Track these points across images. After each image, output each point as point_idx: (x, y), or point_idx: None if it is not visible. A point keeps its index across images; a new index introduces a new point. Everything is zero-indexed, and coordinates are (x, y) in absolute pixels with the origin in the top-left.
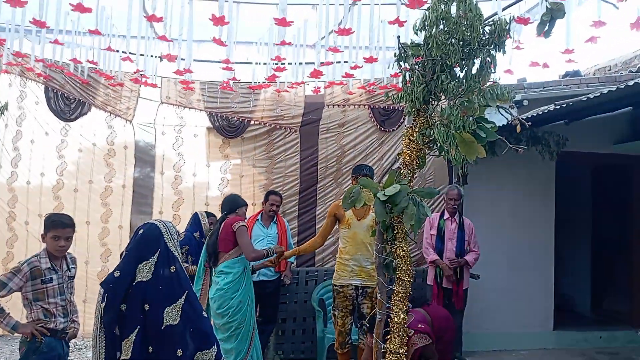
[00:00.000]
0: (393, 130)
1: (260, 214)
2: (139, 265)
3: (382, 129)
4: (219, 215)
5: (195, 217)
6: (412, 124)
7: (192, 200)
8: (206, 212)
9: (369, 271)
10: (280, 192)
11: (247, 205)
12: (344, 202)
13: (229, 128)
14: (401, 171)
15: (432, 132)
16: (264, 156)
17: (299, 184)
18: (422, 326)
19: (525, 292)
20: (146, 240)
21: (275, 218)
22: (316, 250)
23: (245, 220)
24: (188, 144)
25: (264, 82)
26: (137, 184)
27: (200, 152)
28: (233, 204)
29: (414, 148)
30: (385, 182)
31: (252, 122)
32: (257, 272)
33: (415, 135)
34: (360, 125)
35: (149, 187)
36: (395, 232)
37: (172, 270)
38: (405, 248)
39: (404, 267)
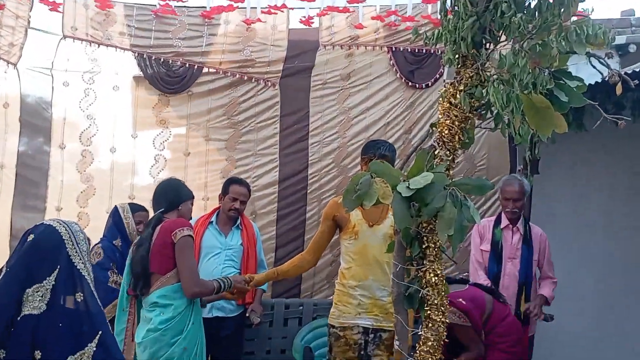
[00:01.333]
0: (426, 86)
1: (215, 214)
2: (27, 290)
3: (410, 83)
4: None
5: (115, 215)
6: (455, 78)
7: (109, 190)
8: (131, 205)
9: (384, 305)
10: (248, 182)
11: (193, 198)
12: (345, 199)
13: (168, 78)
14: (436, 152)
15: (485, 92)
16: (223, 123)
17: (279, 169)
18: (464, 302)
19: (625, 342)
20: (38, 251)
21: (239, 221)
22: (304, 274)
23: (193, 225)
24: (104, 101)
25: (226, 5)
26: (23, 163)
27: (123, 114)
28: (173, 196)
29: (456, 116)
30: (411, 168)
31: (205, 70)
32: (210, 305)
33: (458, 96)
34: (375, 79)
35: (42, 168)
36: (424, 246)
37: (79, 299)
38: (439, 271)
39: (436, 301)
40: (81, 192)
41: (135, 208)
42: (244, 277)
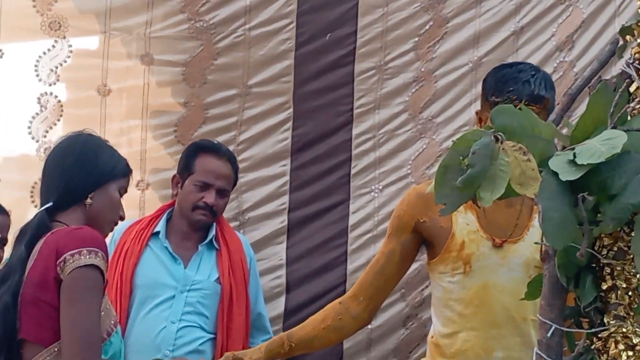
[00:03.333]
0: None
1: (163, 219)
2: None
3: None
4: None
5: None
6: None
7: None
8: None
9: None
10: (232, 150)
11: (125, 178)
12: (439, 189)
13: None
14: (632, 87)
15: None
16: (180, 30)
17: (293, 122)
18: None
19: None
20: None
21: (212, 233)
22: (352, 338)
23: (114, 240)
24: None
25: None
26: None
27: None
28: (76, 174)
29: None
30: (579, 122)
31: None
32: None
33: None
34: None
35: None
36: (606, 286)
37: None
38: (637, 338)
39: None
40: None
41: None
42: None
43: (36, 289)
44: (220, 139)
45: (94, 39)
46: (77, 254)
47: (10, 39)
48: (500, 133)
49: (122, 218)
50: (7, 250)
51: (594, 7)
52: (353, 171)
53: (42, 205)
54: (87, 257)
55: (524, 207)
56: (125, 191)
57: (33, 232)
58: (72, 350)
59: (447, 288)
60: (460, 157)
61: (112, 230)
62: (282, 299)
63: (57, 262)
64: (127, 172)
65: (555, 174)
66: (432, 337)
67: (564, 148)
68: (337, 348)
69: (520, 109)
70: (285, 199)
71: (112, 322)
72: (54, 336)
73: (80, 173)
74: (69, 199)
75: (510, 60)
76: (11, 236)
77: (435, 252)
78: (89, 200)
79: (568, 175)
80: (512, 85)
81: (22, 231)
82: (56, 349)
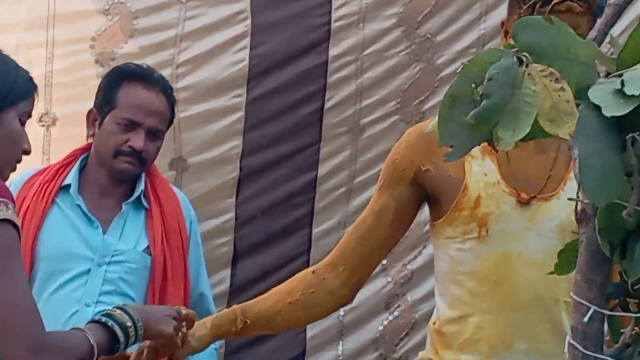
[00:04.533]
0: None
1: (76, 166)
2: None
3: None
4: None
5: None
6: None
7: None
8: None
9: None
10: (166, 76)
11: (26, 100)
12: (443, 126)
13: None
14: None
15: None
16: None
17: (250, 43)
18: None
19: None
20: None
21: (141, 187)
22: (319, 324)
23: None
24: None
25: None
26: None
27: None
28: None
29: None
30: (628, 40)
31: None
32: None
33: None
34: None
35: None
36: None
37: None
38: None
39: None
40: None
41: None
42: (175, 309)
43: None
44: (152, 60)
45: None
46: None
47: None
48: (525, 53)
49: (26, 152)
50: None
51: None
52: (327, 105)
53: None
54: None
55: (561, 154)
56: (30, 116)
57: None
58: (12, 321)
59: (456, 258)
60: (473, 85)
61: (13, 170)
62: (228, 272)
63: None
64: (29, 91)
65: (598, 107)
66: (435, 323)
67: (608, 75)
68: (300, 337)
69: (552, 21)
70: (238, 140)
71: None
72: None
73: None
74: None
75: None
76: None
77: (441, 211)
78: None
79: (614, 109)
80: None
81: None
82: None
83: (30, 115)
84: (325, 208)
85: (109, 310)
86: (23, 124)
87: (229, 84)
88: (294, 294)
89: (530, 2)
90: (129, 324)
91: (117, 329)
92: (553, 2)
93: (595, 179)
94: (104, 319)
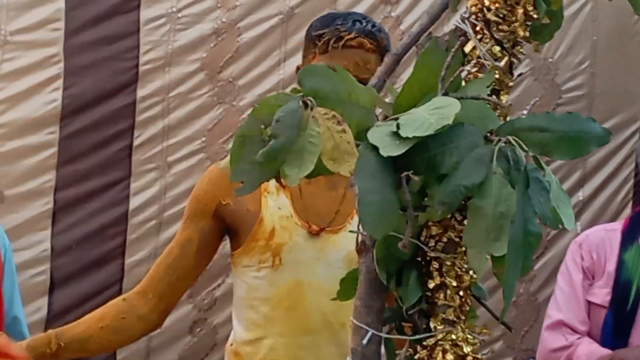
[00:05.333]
0: None
1: None
2: None
3: None
4: None
5: None
6: None
7: None
8: None
9: None
10: None
11: None
12: (234, 163)
13: None
14: (467, 47)
15: None
16: None
17: (64, 80)
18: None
19: None
20: None
21: None
22: (128, 348)
23: None
24: None
25: None
26: None
27: None
28: None
29: None
30: (404, 87)
31: None
32: None
33: None
34: None
35: None
36: (432, 284)
37: None
38: (468, 347)
39: None
40: None
41: None
42: None
43: None
44: None
45: None
46: None
47: None
48: (310, 97)
49: None
50: None
51: None
52: (136, 142)
53: None
54: None
55: (349, 190)
56: None
57: None
58: None
59: (252, 285)
60: (262, 126)
61: None
62: (45, 300)
63: None
64: None
65: (376, 148)
66: (232, 344)
67: (385, 118)
68: (110, 358)
69: (335, 69)
70: (52, 175)
71: None
72: None
73: None
74: None
75: (327, 12)
76: None
77: (239, 241)
78: None
79: (390, 150)
80: (341, 21)
81: None
82: None
83: None
84: (137, 240)
85: None
86: None
87: (43, 121)
88: (105, 319)
89: (325, 39)
90: None
91: None
92: (346, 38)
93: (373, 214)
94: None
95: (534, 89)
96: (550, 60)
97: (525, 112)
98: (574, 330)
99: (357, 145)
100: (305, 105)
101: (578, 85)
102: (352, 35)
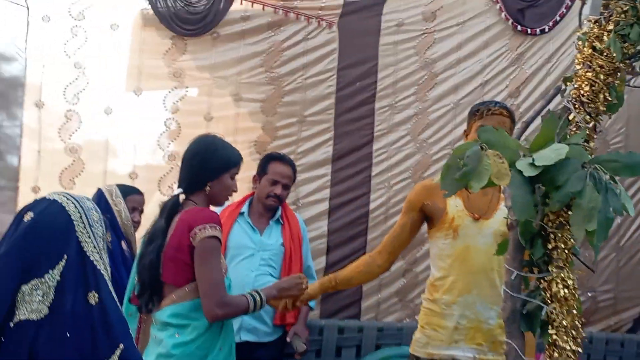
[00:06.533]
0: (542, 31)
1: (247, 203)
2: (23, 288)
3: (519, 27)
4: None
5: (100, 201)
6: (601, 15)
7: (102, 165)
8: (121, 188)
9: (492, 331)
10: (292, 159)
11: (235, 167)
12: (445, 179)
13: (187, 16)
14: (570, 116)
15: None
16: (259, 78)
17: (333, 142)
18: None
19: None
20: (39, 236)
21: (279, 213)
22: (369, 283)
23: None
24: (97, 44)
25: None
26: None
27: (123, 64)
28: (198, 167)
29: (601, 67)
30: (536, 138)
31: (236, 4)
32: (238, 325)
33: (606, 39)
34: (470, 20)
35: (9, 137)
36: (551, 246)
37: (92, 301)
38: (570, 281)
39: (565, 322)
40: (65, 168)
41: (127, 191)
42: (296, 277)
43: (175, 251)
44: (285, 150)
45: (203, 82)
46: (202, 228)
47: (148, 85)
48: (484, 144)
49: (234, 191)
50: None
51: (534, 68)
52: (373, 174)
53: (178, 190)
54: (209, 230)
55: (494, 195)
56: (237, 173)
57: (169, 209)
58: (207, 290)
59: (441, 248)
60: (458, 159)
61: (227, 199)
62: (324, 258)
63: (190, 233)
64: (238, 161)
65: (520, 171)
66: (429, 281)
67: (524, 156)
68: (359, 287)
69: (497, 129)
70: (327, 191)
71: (224, 269)
72: (185, 281)
73: (201, 169)
74: (193, 187)
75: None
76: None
77: (434, 224)
78: (207, 188)
79: (528, 172)
80: (488, 102)
81: (162, 207)
82: (186, 289)
83: (237, 173)
84: (373, 226)
85: (251, 291)
86: (233, 178)
87: (322, 163)
88: (359, 267)
89: (481, 111)
90: (257, 298)
91: (250, 299)
92: (492, 109)
93: (518, 207)
94: (251, 293)
95: (596, 143)
96: (605, 126)
97: None
98: None
99: (510, 170)
100: (482, 148)
101: (618, 141)
102: (495, 108)
